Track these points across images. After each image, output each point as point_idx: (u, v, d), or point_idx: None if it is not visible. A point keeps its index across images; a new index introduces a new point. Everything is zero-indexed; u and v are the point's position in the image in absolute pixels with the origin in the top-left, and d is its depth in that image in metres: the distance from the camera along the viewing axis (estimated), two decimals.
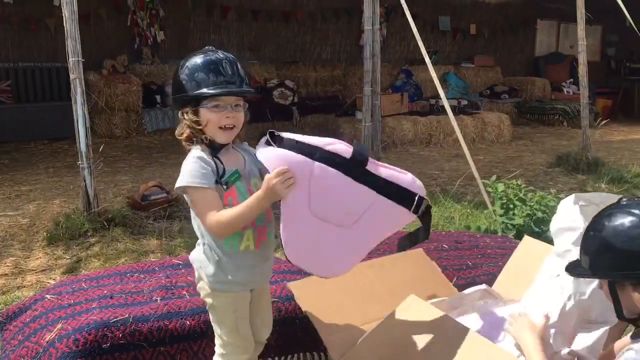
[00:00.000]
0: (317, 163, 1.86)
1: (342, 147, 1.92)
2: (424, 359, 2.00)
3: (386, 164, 2.03)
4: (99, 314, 2.24)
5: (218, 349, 2.09)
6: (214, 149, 1.92)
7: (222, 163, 1.90)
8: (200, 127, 1.89)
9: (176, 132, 1.98)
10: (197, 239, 2.06)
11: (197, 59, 1.90)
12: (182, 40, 9.79)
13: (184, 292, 2.44)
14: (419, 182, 2.02)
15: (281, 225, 1.88)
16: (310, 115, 9.03)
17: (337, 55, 11.11)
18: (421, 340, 2.08)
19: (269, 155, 1.84)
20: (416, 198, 1.97)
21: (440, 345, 2.01)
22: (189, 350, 2.27)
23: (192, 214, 2.00)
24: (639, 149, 8.43)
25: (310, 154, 1.86)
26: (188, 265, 2.74)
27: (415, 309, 2.20)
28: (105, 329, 2.17)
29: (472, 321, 2.19)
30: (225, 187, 1.88)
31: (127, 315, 2.23)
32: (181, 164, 1.93)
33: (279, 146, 1.85)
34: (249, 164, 2.01)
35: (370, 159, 1.95)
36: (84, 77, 4.26)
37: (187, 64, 1.90)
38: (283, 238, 1.89)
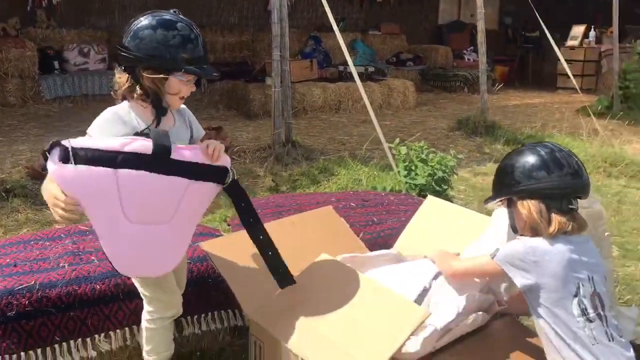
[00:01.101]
0: (120, 171, 1.80)
1: (141, 144, 1.85)
2: (334, 312, 2.09)
3: (191, 145, 2.00)
4: (2, 282, 2.17)
5: (145, 306, 2.13)
6: (160, 110, 1.96)
7: (157, 124, 1.95)
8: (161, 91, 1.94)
9: (118, 82, 1.97)
10: None
11: (176, 27, 1.88)
12: (80, 3, 9.27)
13: (92, 257, 2.41)
14: (225, 156, 2.02)
15: (101, 242, 1.85)
16: (218, 81, 8.90)
17: (245, 20, 10.94)
18: (332, 295, 2.18)
19: (67, 176, 1.74)
20: (228, 173, 1.99)
21: (350, 298, 2.11)
22: (100, 314, 2.26)
23: None
24: (532, 112, 9.00)
25: (110, 161, 1.79)
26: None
27: (327, 266, 2.30)
28: (9, 296, 2.11)
29: (381, 274, 2.32)
30: None
31: (32, 282, 2.17)
32: (84, 133, 1.92)
33: (76, 162, 1.74)
34: (178, 127, 2.06)
35: (175, 146, 1.92)
36: None
37: (165, 28, 1.87)
38: (108, 253, 1.86)
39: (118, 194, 1.81)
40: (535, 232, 1.87)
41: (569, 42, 11.51)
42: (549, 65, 11.94)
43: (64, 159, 1.73)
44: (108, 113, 1.93)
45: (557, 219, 1.82)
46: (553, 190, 1.84)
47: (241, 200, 2.10)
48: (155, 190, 1.87)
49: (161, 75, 1.90)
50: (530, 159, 1.89)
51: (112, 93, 2.02)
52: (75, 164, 1.74)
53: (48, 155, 1.74)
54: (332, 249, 2.45)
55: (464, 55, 12.21)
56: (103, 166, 1.77)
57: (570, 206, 1.84)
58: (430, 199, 2.86)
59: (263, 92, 7.85)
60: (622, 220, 4.37)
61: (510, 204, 1.96)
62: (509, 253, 1.85)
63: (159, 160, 1.86)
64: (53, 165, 1.73)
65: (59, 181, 1.75)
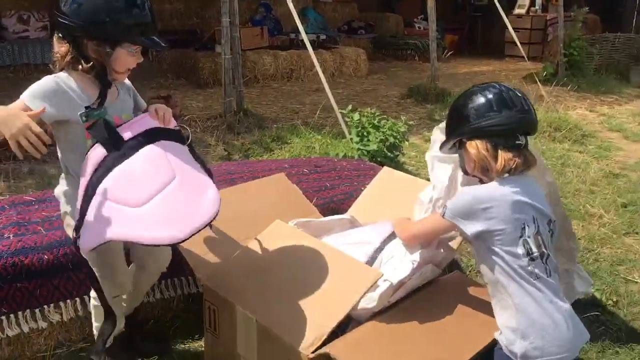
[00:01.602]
0: (100, 188, 1.78)
1: (94, 159, 1.82)
2: (289, 275, 2.12)
3: (138, 117, 1.96)
4: None
5: (94, 284, 2.07)
6: (105, 84, 1.87)
7: (104, 96, 1.86)
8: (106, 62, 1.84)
9: (59, 53, 1.86)
10: (51, 178, 1.99)
11: None
12: None
13: (39, 228, 2.34)
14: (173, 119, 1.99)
15: (133, 239, 1.77)
16: (167, 50, 8.67)
17: None
18: (286, 259, 2.20)
19: (87, 239, 1.77)
20: (184, 134, 1.97)
21: (304, 262, 2.15)
22: (49, 285, 2.22)
23: (57, 147, 1.94)
24: (481, 80, 9.14)
25: (88, 198, 1.78)
26: (41, 201, 2.63)
27: (280, 232, 2.31)
28: None
29: (334, 238, 2.35)
30: (84, 118, 1.82)
31: None
32: None
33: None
34: (122, 98, 1.98)
35: (122, 127, 1.87)
36: None
37: None
38: (145, 241, 1.75)
39: (110, 203, 1.76)
40: (484, 171, 1.92)
41: (516, 11, 11.70)
42: (497, 33, 12.11)
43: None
44: (47, 81, 1.83)
45: (503, 155, 1.86)
46: (500, 127, 1.86)
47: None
48: (138, 169, 1.82)
49: (107, 49, 1.82)
50: (477, 100, 1.91)
51: (50, 65, 1.91)
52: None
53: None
54: (285, 215, 2.46)
55: (415, 24, 12.25)
56: (92, 199, 1.76)
57: (517, 142, 1.87)
58: (385, 169, 2.89)
59: (213, 61, 7.71)
60: (566, 182, 4.53)
61: (461, 146, 1.98)
62: (456, 207, 1.89)
63: (118, 152, 1.81)
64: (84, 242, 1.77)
65: (83, 249, 1.78)
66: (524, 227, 1.82)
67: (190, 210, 1.79)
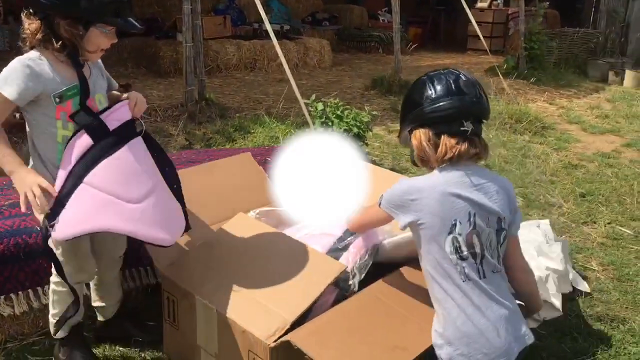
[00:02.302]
0: (85, 178, 1.76)
1: (80, 147, 1.79)
2: (251, 267, 2.09)
3: (118, 105, 1.92)
4: None
5: (54, 270, 2.00)
6: (77, 64, 1.81)
7: (82, 78, 1.82)
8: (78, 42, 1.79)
9: (29, 30, 1.77)
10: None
11: None
12: None
13: None
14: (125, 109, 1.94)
15: (131, 235, 1.80)
16: (127, 38, 8.46)
17: None
18: (249, 251, 2.17)
19: (65, 226, 1.75)
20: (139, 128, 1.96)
21: (267, 255, 2.12)
22: None
23: (27, 128, 1.87)
24: None
25: (77, 179, 1.76)
26: None
27: (243, 224, 2.27)
28: None
29: (298, 231, 2.31)
30: (57, 100, 1.78)
31: None
32: None
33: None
34: (95, 78, 1.92)
35: (104, 115, 1.84)
36: None
37: None
38: (145, 238, 1.81)
39: (104, 195, 1.74)
40: (424, 162, 1.85)
41: (479, 4, 11.81)
42: (460, 27, 12.22)
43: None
44: (17, 64, 1.76)
45: (446, 141, 1.77)
46: (443, 112, 1.77)
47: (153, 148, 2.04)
48: (129, 164, 1.82)
49: (80, 29, 1.76)
50: (424, 88, 1.82)
51: (19, 42, 1.83)
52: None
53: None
54: (249, 197, 2.44)
55: (379, 16, 12.26)
56: (75, 187, 1.74)
57: (462, 128, 1.77)
58: None
59: (174, 49, 7.56)
60: (526, 173, 4.60)
61: (409, 134, 1.90)
62: (389, 197, 1.83)
63: (105, 142, 1.79)
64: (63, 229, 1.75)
65: (63, 236, 1.76)
66: (455, 224, 1.73)
67: (175, 215, 1.92)
